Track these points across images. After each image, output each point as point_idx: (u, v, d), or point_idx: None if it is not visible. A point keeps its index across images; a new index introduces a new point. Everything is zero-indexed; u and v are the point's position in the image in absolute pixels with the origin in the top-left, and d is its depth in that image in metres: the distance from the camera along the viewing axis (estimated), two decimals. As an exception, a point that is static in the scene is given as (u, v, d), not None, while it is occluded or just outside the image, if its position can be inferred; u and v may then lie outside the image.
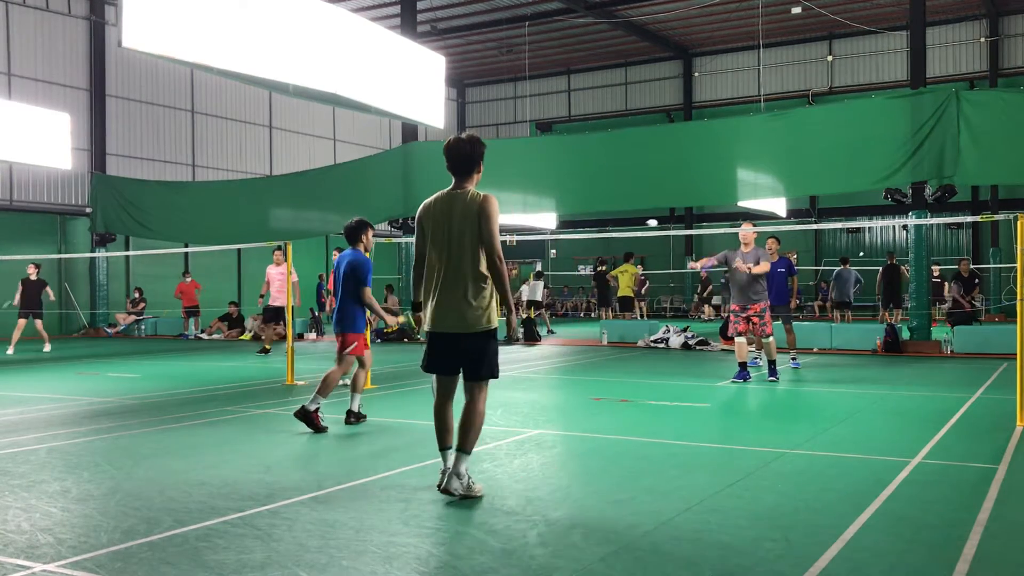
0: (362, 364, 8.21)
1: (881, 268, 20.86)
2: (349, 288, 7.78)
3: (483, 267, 5.06)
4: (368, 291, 7.79)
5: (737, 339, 11.13)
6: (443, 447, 5.24)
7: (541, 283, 23.56)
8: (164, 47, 9.40)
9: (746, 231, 11.10)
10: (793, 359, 12.89)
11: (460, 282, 5.04)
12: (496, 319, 5.16)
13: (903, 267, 19.36)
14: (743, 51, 31.63)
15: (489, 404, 9.03)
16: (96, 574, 3.82)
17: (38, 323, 17.40)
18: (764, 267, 10.81)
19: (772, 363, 11.16)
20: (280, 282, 15.22)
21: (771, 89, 30.71)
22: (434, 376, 5.27)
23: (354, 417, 7.89)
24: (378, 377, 11.68)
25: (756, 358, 12.75)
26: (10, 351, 16.81)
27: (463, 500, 5.01)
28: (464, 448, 5.10)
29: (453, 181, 5.24)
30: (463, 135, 5.26)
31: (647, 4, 26.88)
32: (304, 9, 11.11)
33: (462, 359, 5.14)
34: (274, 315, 15.76)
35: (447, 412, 5.23)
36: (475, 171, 5.23)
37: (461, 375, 5.20)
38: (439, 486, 5.12)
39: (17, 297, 17.19)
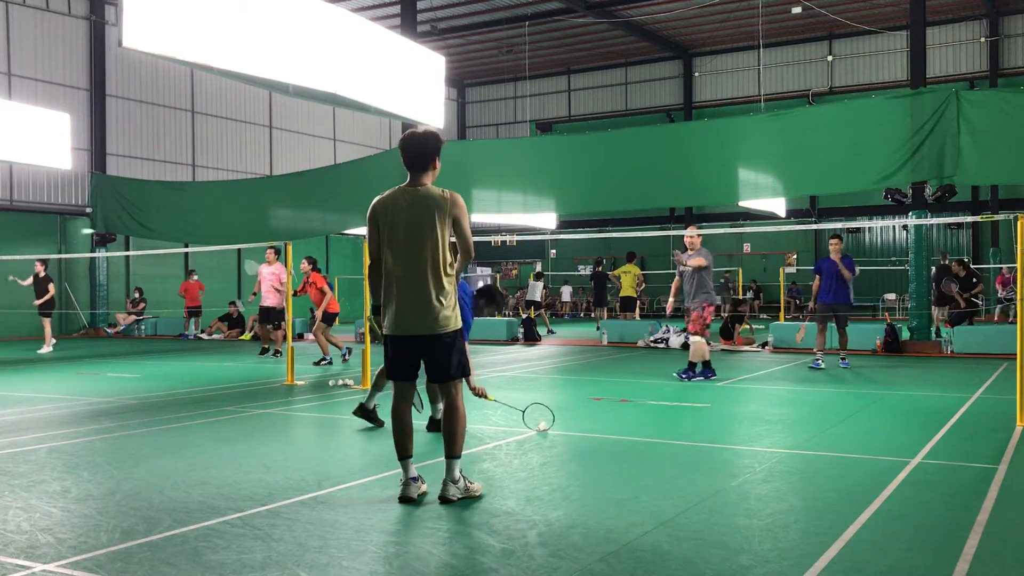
0: None
1: (935, 268, 20.00)
2: None
3: (447, 266, 4.88)
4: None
5: (694, 339, 11.37)
6: (403, 456, 5.02)
7: (540, 283, 23.57)
8: (164, 47, 9.40)
9: (690, 234, 11.40)
10: (843, 359, 12.99)
11: (423, 282, 4.83)
12: (459, 319, 4.99)
13: (955, 264, 18.78)
14: (743, 51, 31.64)
15: (489, 404, 9.04)
16: (96, 574, 3.82)
17: (46, 320, 17.51)
18: (699, 261, 11.00)
19: (705, 364, 11.31)
20: (271, 282, 15.15)
21: (771, 89, 30.72)
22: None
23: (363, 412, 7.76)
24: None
25: (819, 360, 12.73)
26: (47, 348, 17.16)
27: (463, 500, 5.01)
28: (453, 454, 4.97)
29: (408, 177, 5.00)
30: (419, 129, 5.03)
31: (647, 4, 26.89)
32: (304, 9, 11.11)
33: (427, 362, 4.99)
34: (266, 315, 15.64)
35: (407, 417, 5.04)
36: (432, 166, 4.98)
37: (429, 377, 5.04)
38: (399, 497, 4.96)
39: (30, 280, 17.55)
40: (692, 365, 11.35)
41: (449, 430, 4.99)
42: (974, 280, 17.84)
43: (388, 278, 4.94)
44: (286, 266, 12.60)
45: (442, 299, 4.87)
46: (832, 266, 12.62)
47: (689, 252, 11.28)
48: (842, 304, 12.80)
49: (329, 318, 14.18)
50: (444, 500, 4.95)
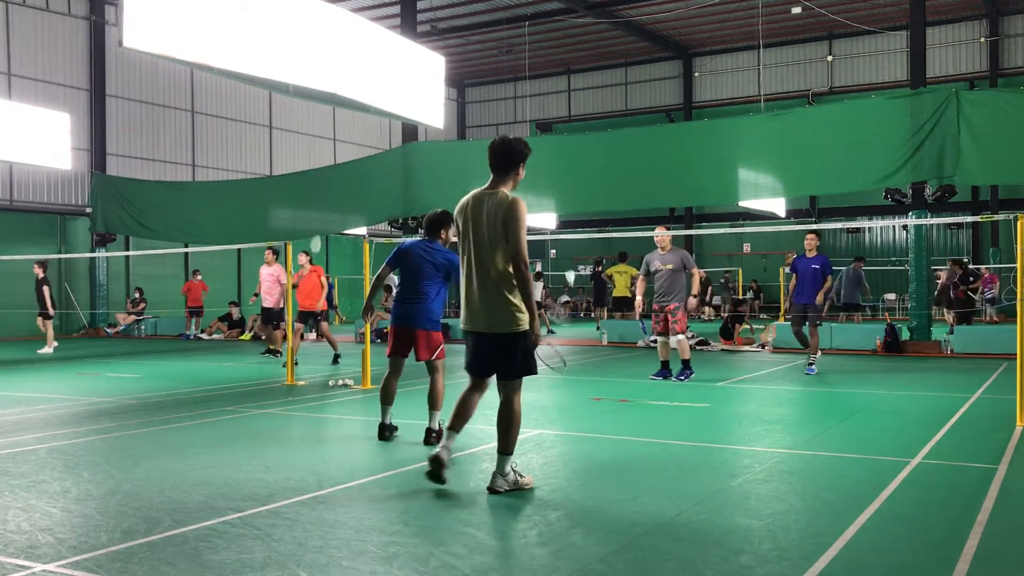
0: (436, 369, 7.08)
1: (948, 273, 19.48)
2: (436, 284, 6.98)
3: (511, 268, 5.04)
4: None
5: (659, 338, 11.41)
6: (450, 427, 5.29)
7: (540, 284, 23.60)
8: (164, 47, 9.39)
9: (660, 234, 11.36)
10: (810, 364, 12.16)
11: (488, 283, 5.06)
12: (526, 320, 5.08)
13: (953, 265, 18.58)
14: (743, 51, 31.63)
15: (489, 405, 9.05)
16: (96, 574, 3.82)
17: (47, 322, 17.50)
18: (696, 278, 11.18)
19: (684, 363, 11.32)
20: (269, 283, 15.16)
21: (771, 89, 30.71)
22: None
23: (435, 436, 6.80)
24: (379, 377, 11.65)
25: (812, 364, 12.15)
26: (48, 350, 17.15)
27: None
28: (505, 450, 5.14)
29: (490, 179, 5.23)
30: (511, 136, 5.31)
31: (647, 4, 26.88)
32: (304, 9, 11.10)
33: (495, 359, 5.17)
34: (267, 316, 15.66)
35: (471, 400, 5.34)
36: (512, 172, 5.21)
37: (497, 375, 5.21)
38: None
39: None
40: (687, 363, 11.35)
41: (502, 427, 5.16)
42: (970, 279, 17.91)
43: (464, 276, 5.23)
44: (285, 267, 12.61)
45: (505, 299, 5.03)
46: (806, 265, 12.01)
47: (660, 252, 11.24)
48: (812, 303, 12.04)
49: (312, 315, 14.30)
50: (491, 491, 5.13)
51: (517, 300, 5.04)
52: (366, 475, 5.76)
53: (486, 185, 5.21)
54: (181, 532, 4.43)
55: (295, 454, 6.66)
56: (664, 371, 11.38)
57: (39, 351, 17.05)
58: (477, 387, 5.35)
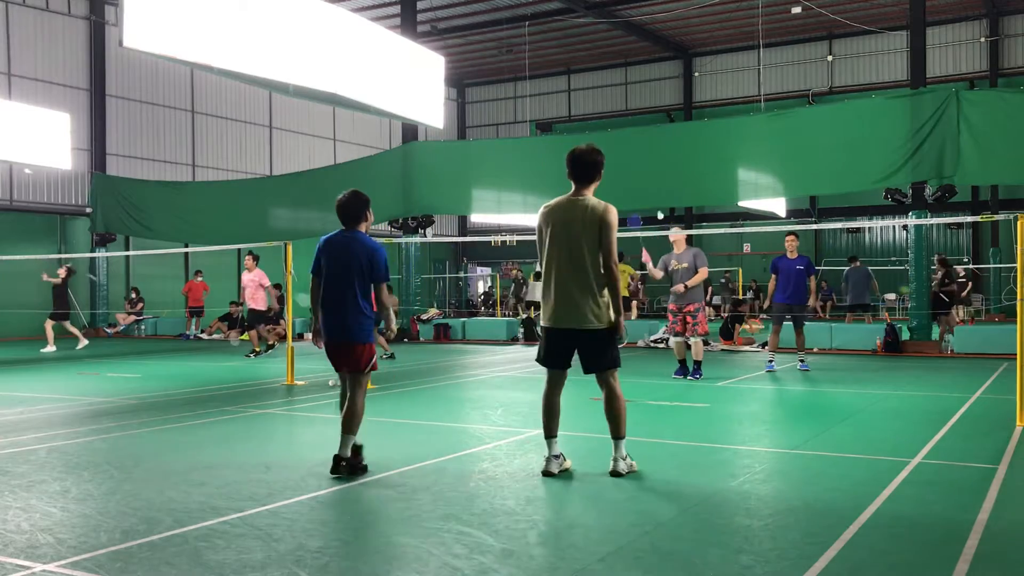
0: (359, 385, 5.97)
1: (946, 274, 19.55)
2: (362, 284, 5.86)
3: (599, 269, 5.41)
4: (386, 287, 6.03)
5: (673, 339, 11.47)
6: (548, 435, 5.64)
7: (541, 284, 23.57)
8: (165, 47, 9.40)
9: (675, 233, 11.44)
10: (801, 361, 12.53)
11: (576, 282, 5.40)
12: (611, 316, 5.46)
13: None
14: (743, 51, 31.63)
15: (490, 404, 9.06)
16: (96, 574, 3.82)
17: (67, 324, 17.85)
18: (702, 275, 11.08)
19: (697, 363, 11.43)
20: (251, 288, 15.56)
21: (771, 89, 30.71)
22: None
23: (344, 465, 5.69)
24: (379, 377, 11.68)
25: (771, 361, 12.54)
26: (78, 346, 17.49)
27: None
28: (618, 435, 5.57)
29: (573, 187, 5.55)
30: (586, 145, 5.57)
31: (647, 4, 26.88)
32: (304, 9, 11.11)
33: (581, 354, 5.52)
34: (255, 318, 15.86)
35: (555, 402, 5.64)
36: (596, 179, 5.56)
37: (585, 369, 5.57)
38: (542, 471, 5.56)
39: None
40: (699, 364, 11.46)
41: (612, 414, 5.56)
42: (947, 281, 18.01)
43: (547, 276, 5.56)
44: (286, 266, 12.66)
45: (596, 297, 5.41)
46: (789, 265, 12.12)
47: (675, 251, 11.28)
48: (799, 304, 12.21)
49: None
50: (614, 474, 5.55)
51: (607, 298, 5.43)
52: (366, 475, 5.76)
53: (570, 192, 5.55)
54: (181, 532, 4.43)
55: (295, 454, 6.66)
56: (683, 369, 11.43)
57: (78, 347, 17.46)
58: (557, 382, 5.64)
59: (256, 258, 15.52)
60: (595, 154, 5.53)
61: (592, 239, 5.39)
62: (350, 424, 5.74)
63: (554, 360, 5.58)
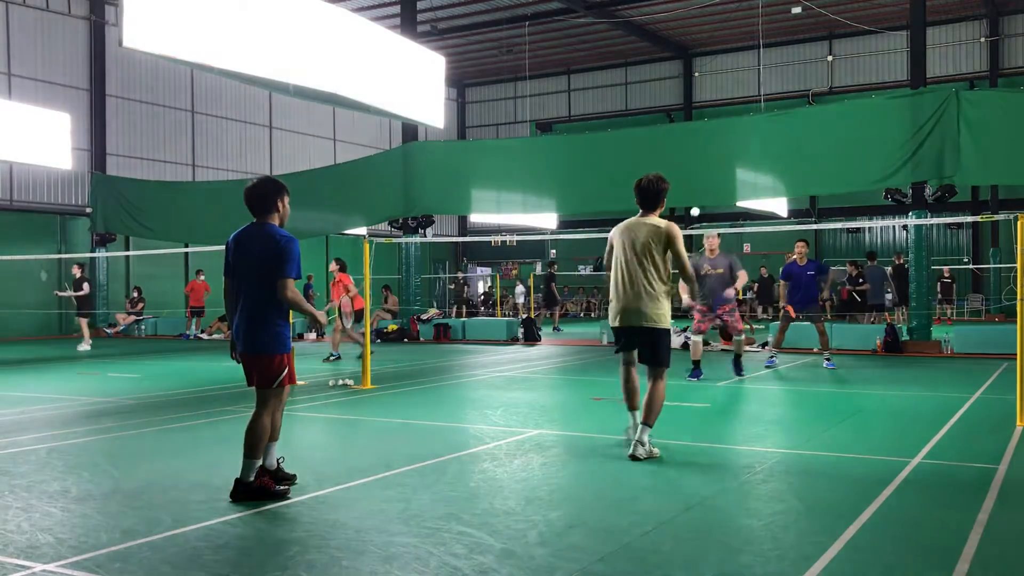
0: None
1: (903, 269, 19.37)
2: (267, 283, 5.14)
3: (661, 277, 6.22)
4: (292, 284, 5.18)
5: (695, 338, 11.59)
6: (631, 407, 6.45)
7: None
8: (165, 47, 9.40)
9: (711, 239, 11.70)
10: (828, 360, 12.68)
11: (643, 289, 6.22)
12: (669, 320, 6.27)
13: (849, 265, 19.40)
14: (743, 51, 31.63)
15: (490, 404, 9.06)
16: (96, 574, 3.82)
17: (84, 322, 18.04)
18: (742, 279, 11.53)
19: (738, 358, 11.70)
20: None
21: (771, 89, 30.70)
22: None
23: (243, 490, 5.04)
24: (379, 377, 11.68)
25: (773, 357, 12.86)
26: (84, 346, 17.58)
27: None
28: (648, 422, 6.16)
29: (640, 211, 6.39)
30: (653, 175, 6.40)
31: (647, 4, 26.88)
32: (304, 9, 11.11)
33: (641, 349, 6.33)
34: None
35: (632, 376, 6.47)
36: (660, 205, 6.40)
37: (640, 360, 6.38)
38: (627, 451, 6.15)
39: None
40: (739, 359, 11.75)
41: (651, 403, 6.18)
42: (861, 280, 18.99)
43: (616, 284, 6.38)
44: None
45: (655, 302, 6.22)
46: (804, 272, 12.51)
47: (709, 256, 11.53)
48: (812, 307, 12.58)
49: (357, 315, 14.45)
50: (633, 458, 6.06)
51: (663, 303, 6.24)
52: (366, 475, 5.76)
53: (638, 215, 6.38)
54: (181, 532, 4.43)
55: (295, 454, 6.65)
56: (698, 371, 11.32)
57: (79, 347, 17.50)
58: (630, 362, 6.47)
59: None
60: (660, 183, 6.35)
61: (655, 253, 6.20)
62: (251, 447, 5.03)
63: (629, 346, 6.41)
